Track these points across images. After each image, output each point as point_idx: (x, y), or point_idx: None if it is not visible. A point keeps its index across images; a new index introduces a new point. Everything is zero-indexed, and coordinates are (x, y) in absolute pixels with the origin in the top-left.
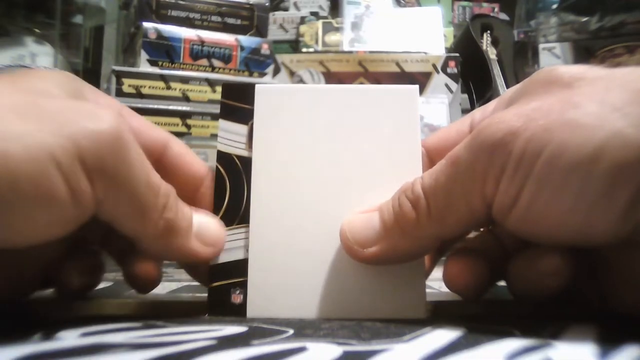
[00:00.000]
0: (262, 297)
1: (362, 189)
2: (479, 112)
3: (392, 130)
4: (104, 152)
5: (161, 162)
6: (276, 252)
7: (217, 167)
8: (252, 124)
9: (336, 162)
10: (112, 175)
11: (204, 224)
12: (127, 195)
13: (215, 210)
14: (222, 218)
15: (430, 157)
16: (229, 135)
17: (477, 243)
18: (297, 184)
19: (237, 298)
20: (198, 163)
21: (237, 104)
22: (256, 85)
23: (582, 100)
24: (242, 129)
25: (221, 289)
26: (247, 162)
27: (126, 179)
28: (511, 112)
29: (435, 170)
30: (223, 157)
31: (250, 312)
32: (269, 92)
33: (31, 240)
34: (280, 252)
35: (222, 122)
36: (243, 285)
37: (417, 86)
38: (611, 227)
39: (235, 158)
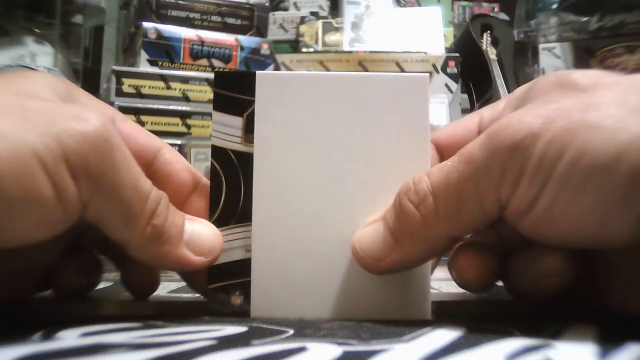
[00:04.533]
0: (265, 297)
1: (368, 184)
2: (487, 111)
3: (400, 122)
4: (89, 152)
5: (151, 169)
6: (279, 251)
7: (211, 163)
8: (247, 116)
9: (341, 155)
10: (97, 177)
11: (196, 233)
12: (112, 198)
13: (211, 209)
14: (219, 217)
15: (440, 153)
16: (224, 129)
17: (481, 238)
18: (301, 180)
19: (237, 299)
20: (188, 171)
21: (232, 94)
22: (257, 72)
23: (602, 103)
24: (238, 121)
25: (220, 290)
26: (243, 157)
27: (111, 181)
28: (530, 112)
29: (444, 167)
30: (218, 152)
31: (254, 312)
32: (270, 79)
33: (20, 241)
34: (283, 252)
35: (215, 115)
36: (243, 286)
37: (427, 74)
38: (627, 229)
39: (231, 153)
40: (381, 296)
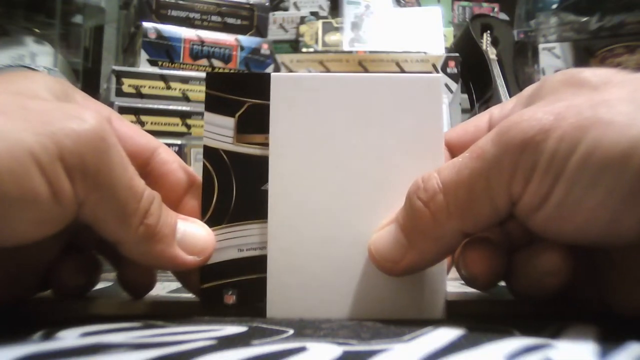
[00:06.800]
0: (281, 296)
1: (383, 184)
2: (497, 109)
3: (414, 123)
4: (85, 152)
5: (147, 169)
6: (295, 251)
7: (204, 163)
8: (239, 117)
9: (355, 156)
10: (92, 176)
11: (189, 232)
12: (107, 198)
13: (203, 209)
14: (211, 216)
15: (451, 152)
16: (216, 129)
17: (488, 234)
18: (316, 180)
19: (229, 299)
20: (183, 171)
21: (223, 95)
22: (272, 74)
23: (612, 100)
24: (229, 121)
25: (213, 290)
26: (235, 156)
27: (106, 180)
28: (541, 109)
29: (455, 163)
30: (209, 153)
31: (270, 312)
32: (285, 81)
33: (16, 239)
34: (299, 252)
35: (207, 115)
36: (236, 286)
37: (440, 75)
38: (637, 225)
39: (223, 153)
40: (397, 295)
